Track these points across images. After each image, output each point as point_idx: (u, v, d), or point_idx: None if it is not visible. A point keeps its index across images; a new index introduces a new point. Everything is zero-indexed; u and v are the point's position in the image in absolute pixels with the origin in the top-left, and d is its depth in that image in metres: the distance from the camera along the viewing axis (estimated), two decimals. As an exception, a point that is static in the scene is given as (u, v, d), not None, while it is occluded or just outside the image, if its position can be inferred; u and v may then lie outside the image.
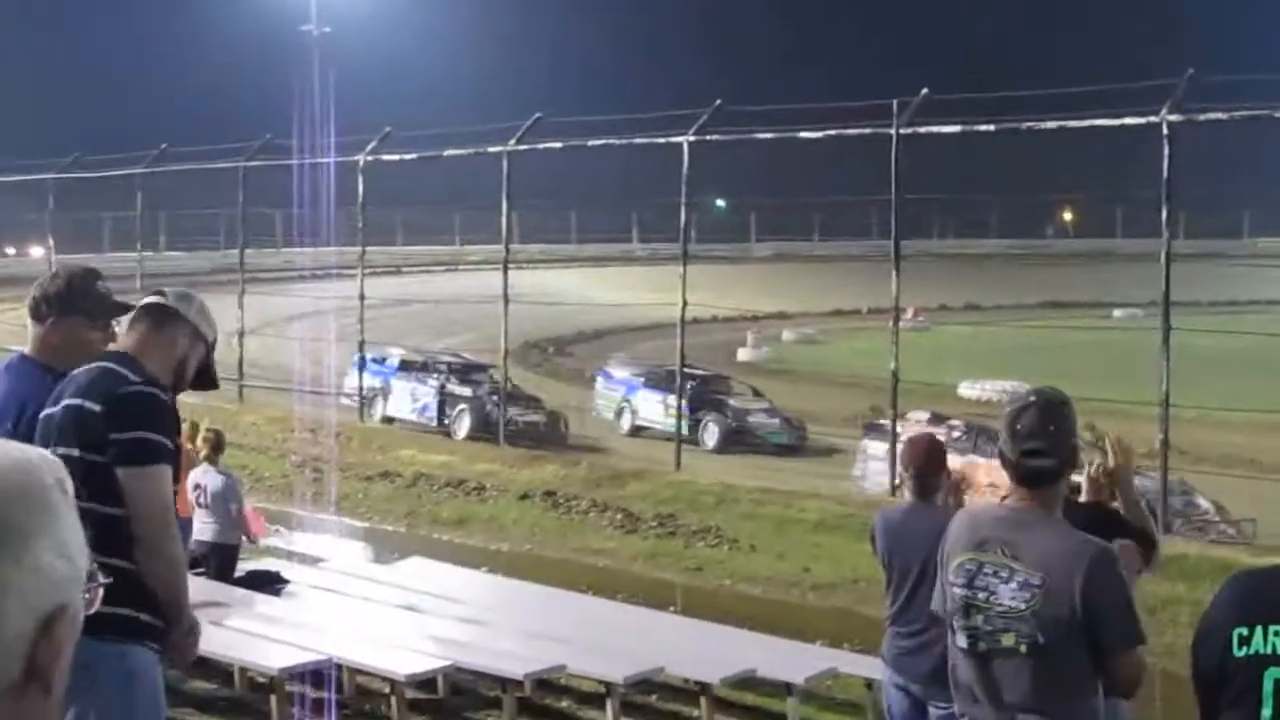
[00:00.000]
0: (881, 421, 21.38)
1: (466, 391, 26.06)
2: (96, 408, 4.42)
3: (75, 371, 4.63)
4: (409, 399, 26.51)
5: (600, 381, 29.71)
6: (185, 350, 4.77)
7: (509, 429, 23.73)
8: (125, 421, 4.41)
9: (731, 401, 27.20)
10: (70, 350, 4.88)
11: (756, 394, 28.16)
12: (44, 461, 1.62)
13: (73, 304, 4.93)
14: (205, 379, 4.92)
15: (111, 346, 4.79)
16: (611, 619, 11.47)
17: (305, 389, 26.29)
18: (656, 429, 26.43)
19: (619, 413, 28.22)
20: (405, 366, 27.30)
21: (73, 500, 1.62)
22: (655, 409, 27.03)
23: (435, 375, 26.71)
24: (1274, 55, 39.53)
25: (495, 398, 24.90)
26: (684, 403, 23.71)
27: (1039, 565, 4.25)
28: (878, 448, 20.84)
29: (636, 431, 27.21)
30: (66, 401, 4.50)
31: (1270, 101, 18.25)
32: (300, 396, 25.56)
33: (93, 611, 1.64)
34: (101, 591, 1.66)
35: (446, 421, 25.69)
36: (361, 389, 26.22)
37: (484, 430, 24.52)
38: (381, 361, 27.32)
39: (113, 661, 4.33)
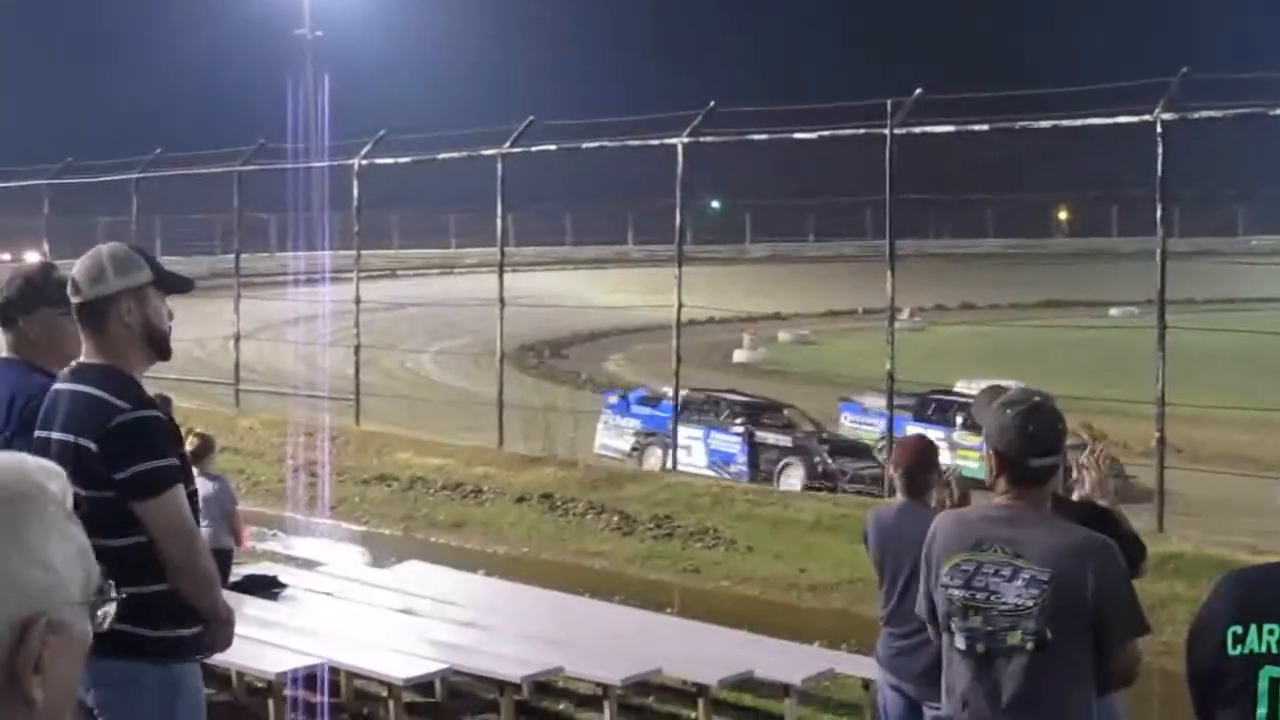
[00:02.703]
0: None
1: (785, 440, 22.37)
2: (92, 446, 4.27)
3: (59, 390, 4.47)
4: (702, 448, 22.73)
5: (847, 415, 25.58)
6: (139, 315, 4.43)
7: (852, 484, 21.07)
8: (124, 458, 4.27)
9: None
10: (49, 341, 4.84)
11: None
12: (26, 470, 1.60)
13: (38, 297, 4.88)
14: (175, 285, 4.60)
15: (82, 357, 4.50)
16: (609, 621, 11.46)
17: (302, 392, 26.21)
18: None
19: (879, 451, 23.70)
20: (688, 408, 22.95)
21: (70, 511, 1.60)
22: None
23: (735, 420, 22.98)
24: (1269, 52, 39.53)
25: (825, 447, 22.30)
26: (980, 440, 21.06)
27: (1046, 561, 4.27)
28: None
29: None
30: (59, 435, 4.35)
31: (1264, 99, 18.23)
32: (297, 400, 25.53)
33: (107, 629, 1.63)
34: (112, 609, 1.64)
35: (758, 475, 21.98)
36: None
37: (817, 485, 20.99)
38: (655, 404, 24.03)
39: (156, 676, 4.33)
